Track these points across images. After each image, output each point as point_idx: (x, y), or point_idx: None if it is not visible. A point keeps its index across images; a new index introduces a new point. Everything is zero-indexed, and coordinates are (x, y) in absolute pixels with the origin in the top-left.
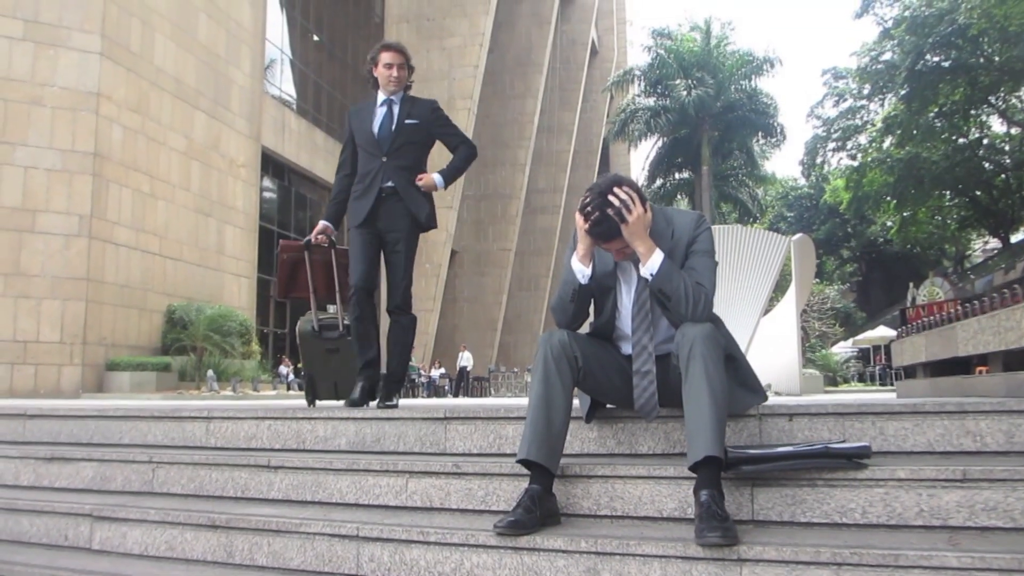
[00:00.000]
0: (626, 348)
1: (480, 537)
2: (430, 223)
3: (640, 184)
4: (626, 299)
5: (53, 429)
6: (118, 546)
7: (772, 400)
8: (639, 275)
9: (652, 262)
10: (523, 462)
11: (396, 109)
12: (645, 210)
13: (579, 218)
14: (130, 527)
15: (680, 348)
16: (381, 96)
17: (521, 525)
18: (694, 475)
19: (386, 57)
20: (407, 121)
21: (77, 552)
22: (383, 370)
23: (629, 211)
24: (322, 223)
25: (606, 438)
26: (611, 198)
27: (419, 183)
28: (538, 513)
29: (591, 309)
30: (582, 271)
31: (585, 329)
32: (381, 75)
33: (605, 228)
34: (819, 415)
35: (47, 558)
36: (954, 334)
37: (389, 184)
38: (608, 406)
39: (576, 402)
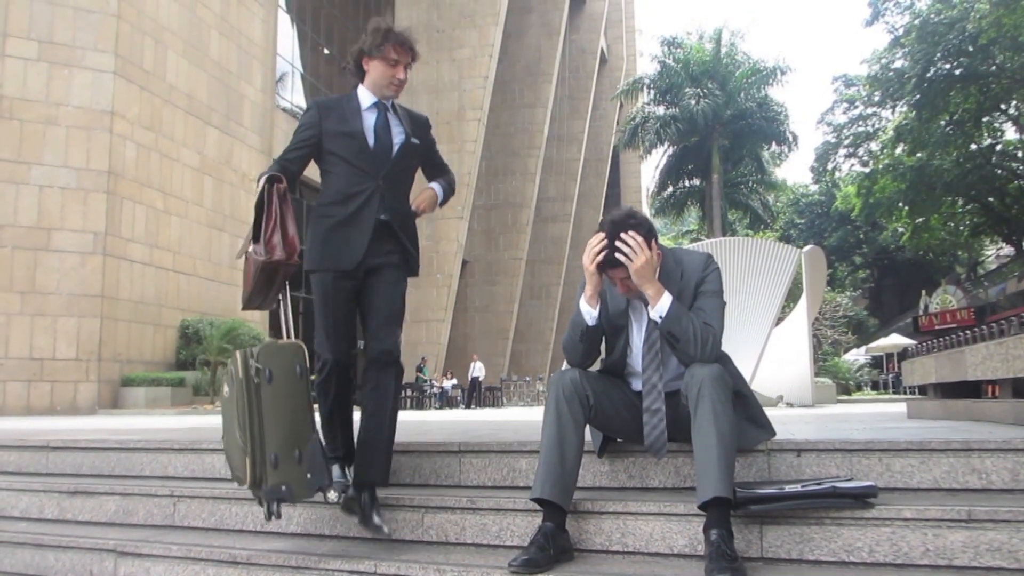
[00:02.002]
0: (636, 384)
1: (495, 575)
2: (416, 268)
3: (650, 192)
4: (637, 338)
5: (76, 461)
6: None
7: (780, 436)
8: (647, 319)
9: (661, 305)
10: (537, 500)
11: (393, 120)
12: (652, 252)
13: (586, 260)
14: (153, 562)
15: (689, 388)
16: (369, 96)
17: (535, 563)
18: (704, 513)
19: (394, 52)
20: (413, 140)
21: None
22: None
23: (636, 255)
24: (266, 176)
25: (617, 472)
26: (619, 243)
27: (418, 208)
28: (551, 551)
29: (602, 347)
30: (590, 312)
31: (596, 365)
32: (380, 73)
33: (611, 255)
34: (827, 451)
35: None
36: (963, 358)
37: (383, 217)
38: (618, 440)
39: (588, 435)
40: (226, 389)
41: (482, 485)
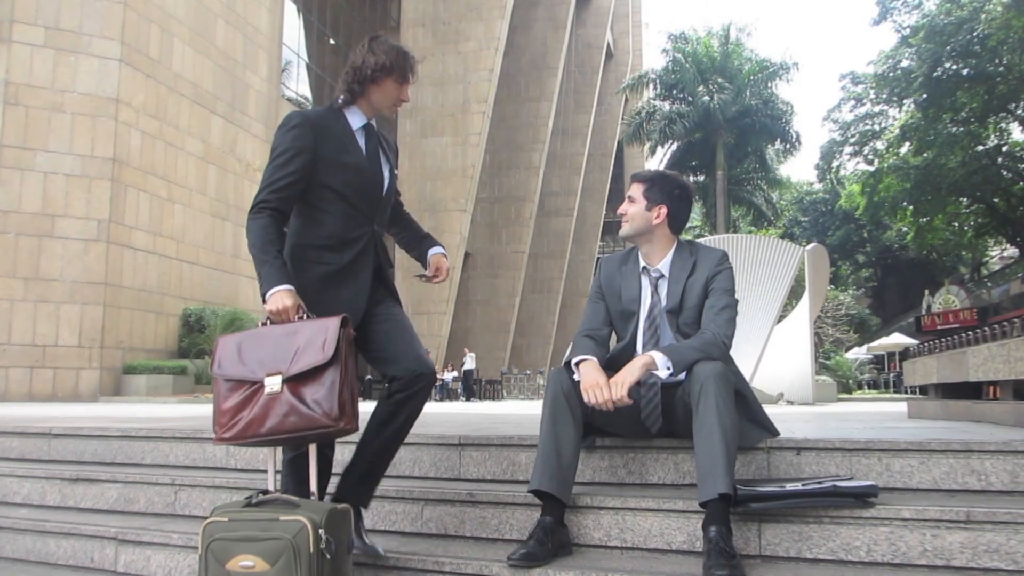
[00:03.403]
0: None
1: (494, 568)
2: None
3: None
4: (642, 321)
5: (77, 448)
6: (142, 569)
7: (782, 434)
8: (652, 296)
9: (658, 363)
10: (535, 492)
11: (380, 149)
12: (652, 212)
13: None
14: (154, 551)
15: (692, 385)
16: (359, 116)
17: (534, 557)
18: (703, 509)
19: (406, 79)
20: (395, 171)
21: (103, 574)
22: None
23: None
24: (289, 293)
25: (616, 467)
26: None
27: (440, 276)
28: (550, 545)
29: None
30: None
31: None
32: (388, 92)
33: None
34: (826, 450)
35: None
36: (965, 359)
37: (376, 266)
38: (609, 437)
39: None
40: (255, 563)
41: (481, 479)
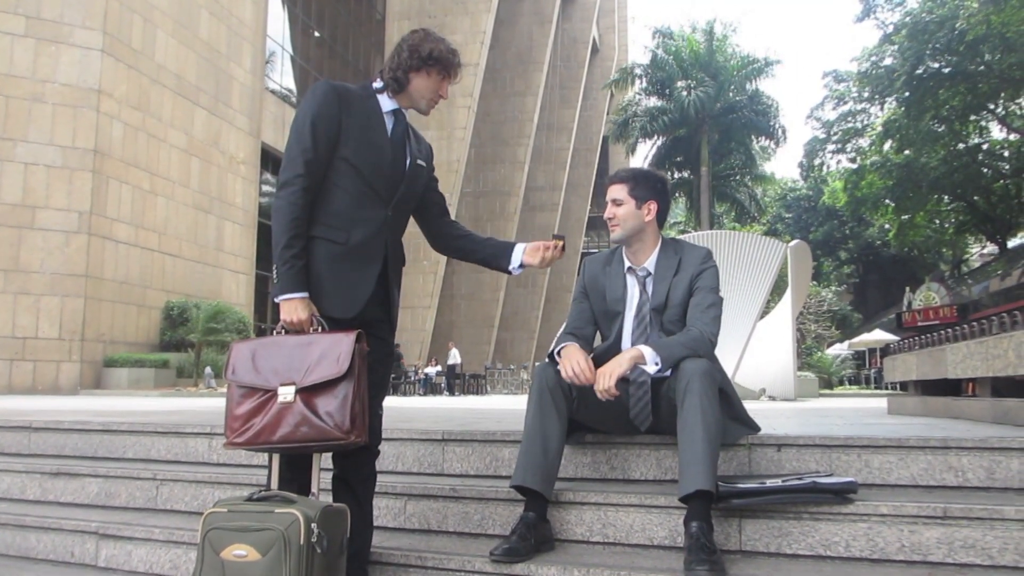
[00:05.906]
0: None
1: (476, 563)
2: (396, 324)
3: None
4: (631, 322)
5: (58, 442)
6: (123, 564)
7: (763, 431)
8: (640, 295)
9: (647, 358)
10: (517, 488)
11: (407, 138)
12: (641, 211)
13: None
14: (135, 545)
15: (677, 381)
16: (389, 100)
17: (516, 552)
18: (685, 505)
19: (450, 73)
20: (419, 161)
21: (84, 569)
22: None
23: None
24: (304, 305)
25: (599, 463)
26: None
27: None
28: (532, 540)
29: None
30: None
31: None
32: (426, 85)
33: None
34: (807, 447)
35: (55, 575)
36: (944, 356)
37: (386, 255)
38: (592, 433)
39: None
40: (248, 552)
41: (464, 474)
